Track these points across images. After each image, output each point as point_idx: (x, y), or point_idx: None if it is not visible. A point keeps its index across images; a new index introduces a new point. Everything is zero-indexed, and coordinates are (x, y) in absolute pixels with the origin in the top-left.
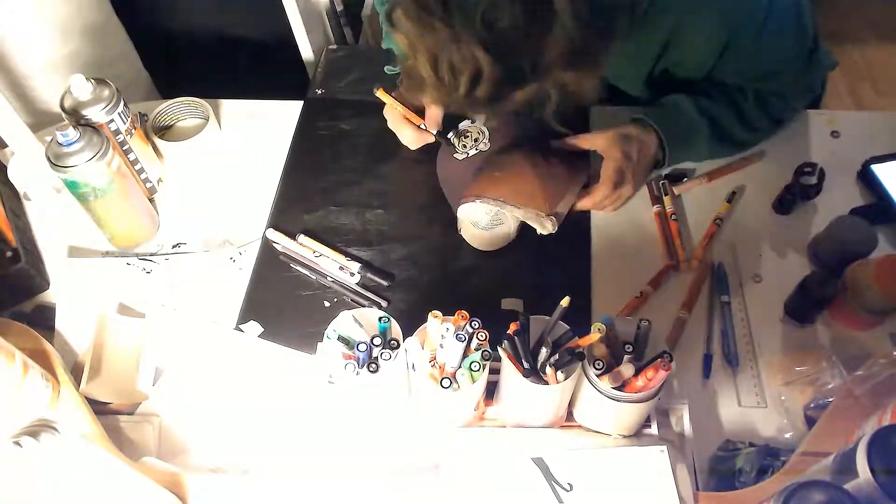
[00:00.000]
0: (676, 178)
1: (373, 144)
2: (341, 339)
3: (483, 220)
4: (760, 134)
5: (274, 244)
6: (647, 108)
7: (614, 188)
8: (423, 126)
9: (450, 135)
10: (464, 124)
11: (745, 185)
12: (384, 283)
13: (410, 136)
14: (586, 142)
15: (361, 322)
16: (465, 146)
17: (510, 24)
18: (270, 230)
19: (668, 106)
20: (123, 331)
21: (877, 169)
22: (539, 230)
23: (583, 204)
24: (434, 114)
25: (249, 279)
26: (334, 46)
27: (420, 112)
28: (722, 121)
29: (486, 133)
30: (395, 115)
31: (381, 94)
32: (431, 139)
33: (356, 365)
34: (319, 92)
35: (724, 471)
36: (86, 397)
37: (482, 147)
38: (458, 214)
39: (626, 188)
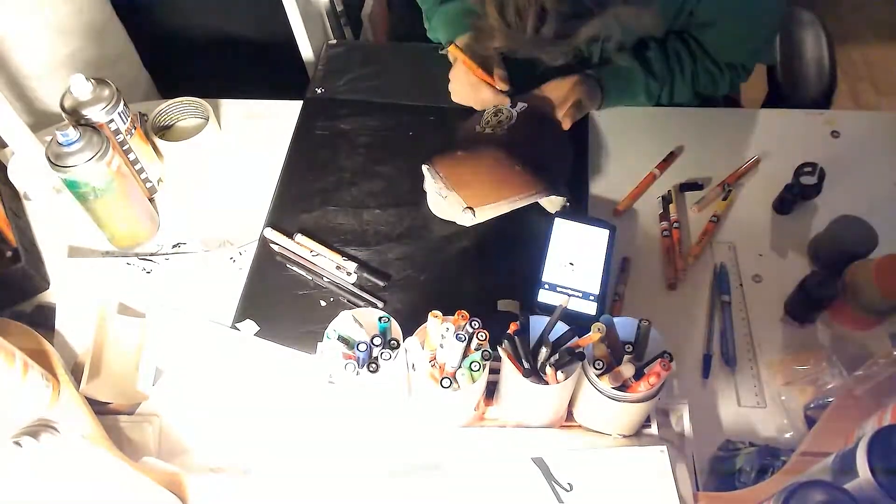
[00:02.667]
0: (691, 186)
1: (371, 144)
2: (341, 338)
3: (430, 185)
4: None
5: (271, 243)
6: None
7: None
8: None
9: (487, 109)
10: (502, 105)
11: (743, 183)
12: (380, 283)
13: (489, 95)
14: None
15: (361, 322)
16: (488, 122)
17: None
18: (268, 229)
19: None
20: (123, 331)
21: None
22: (456, 219)
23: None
24: (501, 73)
25: (246, 278)
26: (334, 41)
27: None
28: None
29: (514, 118)
30: (468, 78)
31: (454, 50)
32: (507, 100)
33: (356, 365)
34: (319, 91)
35: (724, 471)
36: (86, 397)
37: (498, 131)
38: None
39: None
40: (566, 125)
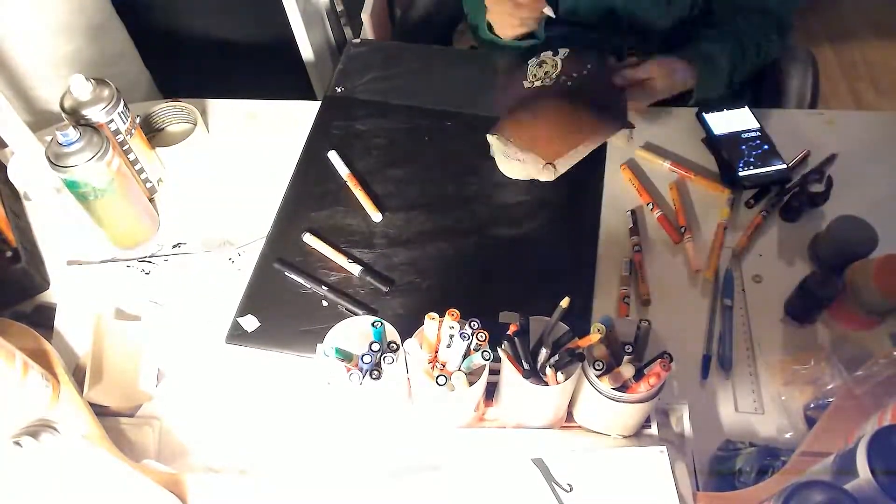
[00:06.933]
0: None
1: (385, 146)
2: (339, 353)
3: (501, 152)
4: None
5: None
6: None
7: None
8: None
9: (530, 61)
10: (545, 54)
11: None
12: (384, 288)
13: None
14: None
15: (355, 333)
16: (535, 75)
17: None
18: (307, 234)
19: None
20: (122, 334)
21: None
22: (537, 177)
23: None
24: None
25: (252, 273)
26: (357, 41)
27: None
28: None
29: (559, 66)
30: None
31: None
32: (546, 6)
33: (360, 374)
34: (339, 90)
35: (724, 471)
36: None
37: (546, 82)
38: (488, 139)
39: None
40: (644, 102)
